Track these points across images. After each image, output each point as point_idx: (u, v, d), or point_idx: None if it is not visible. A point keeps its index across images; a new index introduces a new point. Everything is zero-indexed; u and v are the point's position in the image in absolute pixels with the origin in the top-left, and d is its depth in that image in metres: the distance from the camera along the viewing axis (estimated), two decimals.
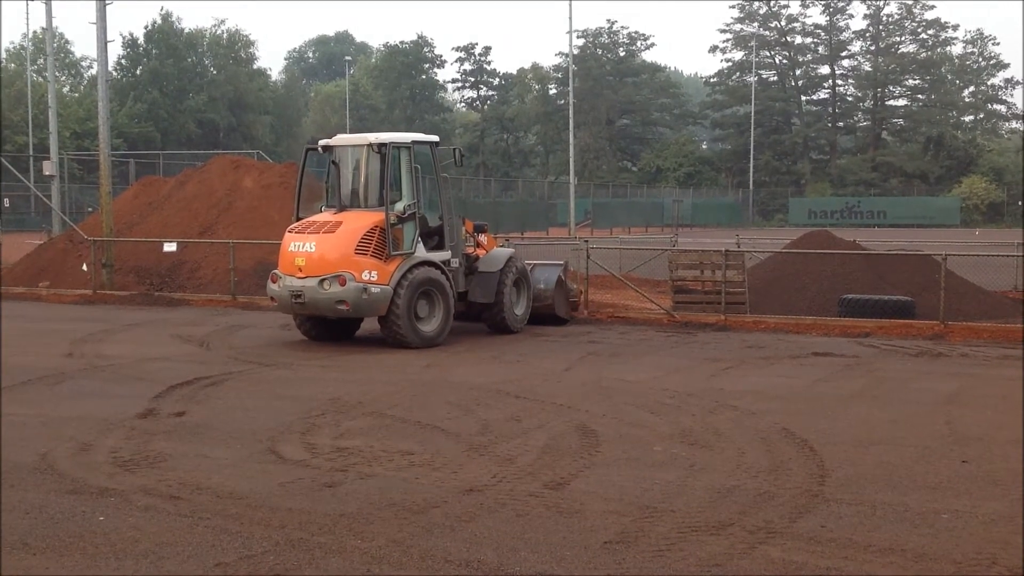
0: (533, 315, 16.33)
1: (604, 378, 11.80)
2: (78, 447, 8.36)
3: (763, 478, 7.36)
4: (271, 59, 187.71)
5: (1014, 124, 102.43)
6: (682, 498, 6.86)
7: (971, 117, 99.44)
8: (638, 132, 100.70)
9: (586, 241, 21.07)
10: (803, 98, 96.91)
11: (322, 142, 15.16)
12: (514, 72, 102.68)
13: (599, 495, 6.94)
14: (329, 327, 14.97)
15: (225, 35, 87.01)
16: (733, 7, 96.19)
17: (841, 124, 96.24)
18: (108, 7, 22.52)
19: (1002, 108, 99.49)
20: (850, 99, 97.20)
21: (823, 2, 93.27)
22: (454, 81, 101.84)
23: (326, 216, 14.47)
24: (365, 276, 13.75)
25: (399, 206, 14.27)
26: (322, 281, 13.79)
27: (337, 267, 13.76)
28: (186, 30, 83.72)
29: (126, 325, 17.08)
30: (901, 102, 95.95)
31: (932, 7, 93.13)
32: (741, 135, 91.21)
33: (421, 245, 14.47)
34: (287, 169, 25.72)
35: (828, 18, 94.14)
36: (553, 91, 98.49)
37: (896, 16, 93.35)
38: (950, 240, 36.61)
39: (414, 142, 14.93)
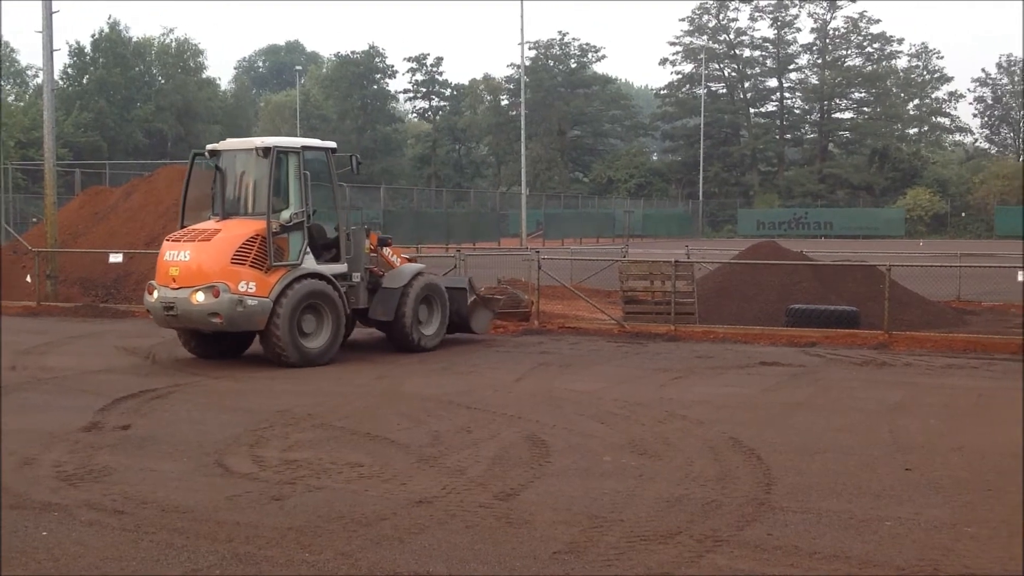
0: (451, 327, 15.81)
1: (555, 388, 11.84)
2: (21, 461, 8.21)
3: (711, 487, 7.42)
4: (220, 68, 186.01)
5: (957, 136, 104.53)
6: (631, 508, 6.90)
7: (915, 130, 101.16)
8: (589, 143, 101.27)
9: (537, 252, 21.16)
10: (751, 110, 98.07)
11: (209, 147, 14.47)
12: (466, 83, 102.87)
13: (549, 505, 6.96)
14: (215, 344, 14.17)
15: (174, 44, 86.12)
16: (683, 20, 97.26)
17: (789, 136, 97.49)
18: (55, 15, 22.26)
19: (946, 121, 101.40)
20: (797, 112, 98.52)
21: (771, 16, 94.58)
22: (406, 91, 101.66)
23: (206, 224, 13.80)
24: (242, 287, 13.00)
25: (285, 214, 13.55)
26: (195, 292, 13.06)
27: (212, 277, 13.02)
28: (134, 39, 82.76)
29: (71, 337, 16.83)
30: (847, 115, 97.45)
31: (878, 21, 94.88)
32: (691, 147, 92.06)
33: (311, 256, 13.77)
34: None
35: (776, 32, 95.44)
36: (505, 102, 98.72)
37: (842, 30, 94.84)
38: (895, 251, 37.20)
39: (304, 147, 14.22)
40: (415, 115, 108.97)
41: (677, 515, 6.72)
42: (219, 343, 14.19)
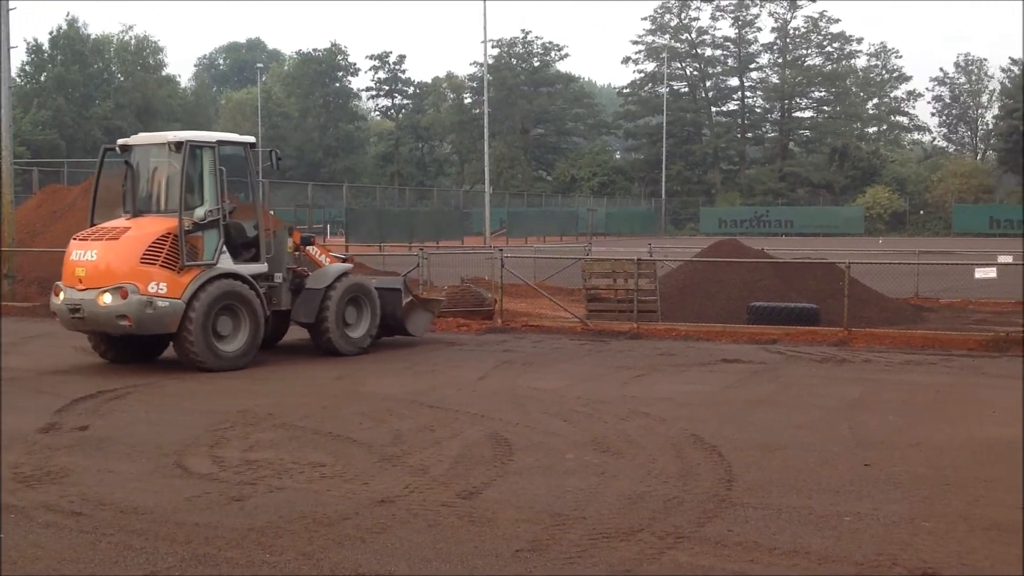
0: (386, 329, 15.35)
1: (518, 387, 11.84)
2: None
3: (673, 484, 7.45)
4: (180, 66, 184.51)
5: (916, 135, 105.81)
6: (593, 505, 6.92)
7: (874, 128, 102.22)
8: (553, 142, 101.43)
9: (500, 250, 21.16)
10: (713, 109, 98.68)
11: (120, 141, 13.88)
12: (429, 81, 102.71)
13: (511, 504, 6.96)
14: (127, 348, 13.57)
15: (133, 41, 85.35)
16: (645, 19, 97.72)
17: (750, 135, 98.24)
18: (11, 12, 21.95)
19: (904, 120, 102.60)
20: (758, 111, 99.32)
21: (732, 15, 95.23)
22: (368, 89, 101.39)
23: (116, 222, 13.23)
24: (152, 288, 12.41)
25: (199, 212, 13.01)
26: (102, 293, 12.44)
27: (120, 278, 12.42)
28: (92, 36, 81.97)
29: (28, 337, 16.61)
30: (807, 114, 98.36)
31: (837, 21, 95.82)
32: (653, 145, 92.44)
33: (227, 256, 13.21)
34: None
35: (737, 31, 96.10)
36: (468, 100, 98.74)
37: (802, 30, 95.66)
38: (854, 248, 37.55)
39: (220, 142, 13.64)
40: (378, 113, 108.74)
41: (639, 512, 6.74)
42: (131, 347, 13.58)
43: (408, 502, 6.98)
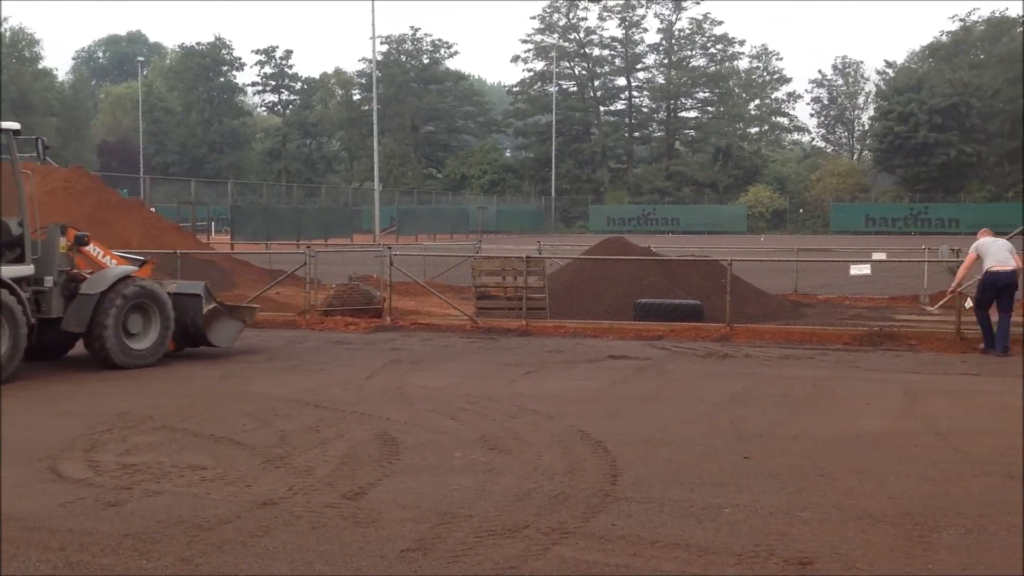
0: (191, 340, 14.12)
1: (406, 385, 11.78)
2: None
3: (559, 480, 7.50)
4: (58, 58, 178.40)
5: (796, 136, 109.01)
6: (480, 503, 6.91)
7: (756, 129, 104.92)
8: (443, 139, 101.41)
9: (390, 248, 20.99)
10: (601, 109, 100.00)
11: None
12: (317, 76, 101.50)
13: (397, 503, 6.91)
14: None
15: (7, 33, 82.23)
16: (534, 18, 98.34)
17: (637, 134, 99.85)
18: None
19: (784, 120, 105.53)
20: (645, 110, 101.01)
21: (619, 16, 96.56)
22: (254, 84, 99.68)
23: None
24: None
25: None
26: None
27: None
28: None
29: None
30: (692, 114, 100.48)
31: (721, 23, 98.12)
32: (543, 144, 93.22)
33: None
34: (72, 174, 24.63)
35: (624, 31, 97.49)
36: (357, 96, 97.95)
37: (687, 31, 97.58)
38: (737, 246, 38.41)
39: None
40: (264, 109, 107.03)
41: (525, 509, 6.77)
42: None
43: (292, 504, 6.88)
